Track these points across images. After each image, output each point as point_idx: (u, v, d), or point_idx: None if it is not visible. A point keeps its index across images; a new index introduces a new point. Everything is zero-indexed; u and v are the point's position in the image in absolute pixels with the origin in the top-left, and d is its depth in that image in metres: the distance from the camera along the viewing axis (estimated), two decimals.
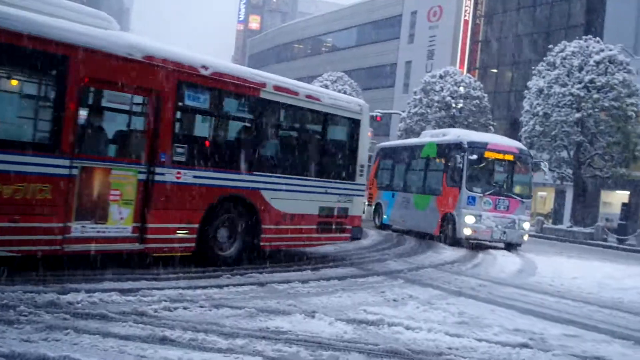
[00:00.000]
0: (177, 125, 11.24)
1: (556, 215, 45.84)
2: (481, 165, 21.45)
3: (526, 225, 21.84)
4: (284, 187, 12.82)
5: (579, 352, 7.71)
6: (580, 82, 34.11)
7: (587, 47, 35.37)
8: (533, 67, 39.37)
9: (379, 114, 47.95)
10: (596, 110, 33.39)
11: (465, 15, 57.91)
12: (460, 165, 21.32)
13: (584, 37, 37.10)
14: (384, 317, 8.38)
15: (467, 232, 20.83)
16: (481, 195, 20.94)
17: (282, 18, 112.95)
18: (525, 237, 22.02)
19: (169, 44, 11.88)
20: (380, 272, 13.23)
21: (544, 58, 37.45)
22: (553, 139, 35.15)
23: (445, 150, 22.91)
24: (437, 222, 22.39)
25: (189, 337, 6.57)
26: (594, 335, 9.01)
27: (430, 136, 26.06)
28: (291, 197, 13.05)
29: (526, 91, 37.63)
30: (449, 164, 22.23)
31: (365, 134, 14.91)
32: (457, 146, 21.87)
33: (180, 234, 11.00)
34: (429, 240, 22.77)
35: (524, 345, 7.74)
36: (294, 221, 13.14)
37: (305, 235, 13.57)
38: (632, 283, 14.76)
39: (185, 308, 7.92)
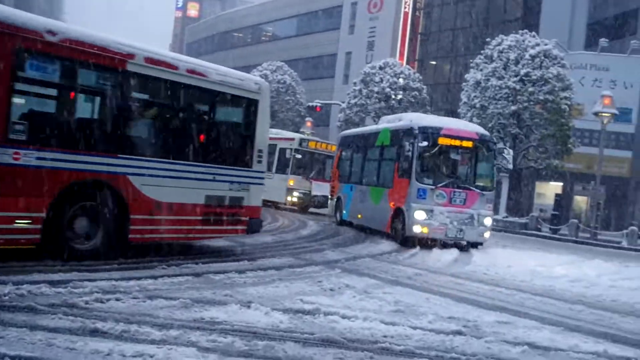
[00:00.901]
0: (15, 98, 9.65)
1: (492, 205, 46.45)
2: (434, 153, 18.73)
3: (487, 221, 19.02)
4: (159, 172, 11.42)
5: (511, 339, 7.85)
6: (516, 76, 34.67)
7: (523, 41, 35.96)
8: (471, 60, 39.94)
9: (318, 104, 48.03)
10: (531, 103, 33.99)
11: (405, 8, 58.34)
12: (410, 153, 18.58)
13: (520, 31, 37.73)
14: (321, 307, 8.40)
15: (416, 229, 18.10)
16: (433, 187, 18.27)
17: (221, 6, 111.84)
18: (487, 234, 19.25)
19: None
20: (318, 262, 13.24)
21: (482, 51, 37.97)
22: (490, 131, 35.58)
23: (397, 137, 20.24)
24: (388, 218, 19.73)
25: (121, 328, 6.48)
26: (526, 321, 9.18)
27: (387, 122, 23.49)
28: (169, 184, 11.61)
29: (464, 84, 38.09)
30: (399, 153, 19.48)
31: (265, 115, 13.55)
32: (408, 132, 19.18)
33: (20, 224, 9.56)
34: (382, 237, 20.40)
35: (458, 333, 7.84)
36: (173, 211, 11.70)
37: (187, 227, 12.13)
38: (563, 271, 15.08)
39: (118, 299, 7.79)
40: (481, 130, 20.26)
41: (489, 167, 19.77)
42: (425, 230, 18.18)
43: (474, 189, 18.88)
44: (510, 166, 21.27)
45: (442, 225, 18.24)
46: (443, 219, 18.26)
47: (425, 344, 7.22)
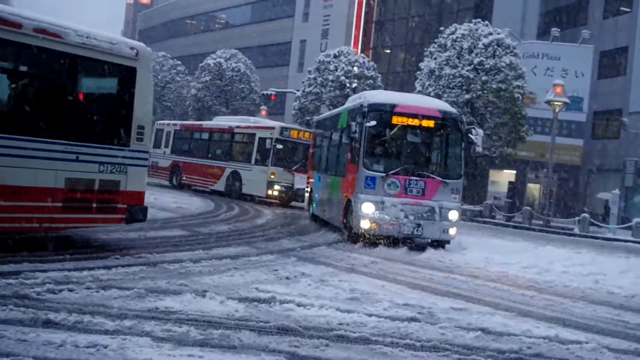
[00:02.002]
0: None
1: (460, 197, 46.74)
2: (386, 134, 16.16)
3: (453, 215, 16.00)
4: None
5: (465, 324, 7.94)
6: (469, 64, 34.87)
7: (477, 30, 36.13)
8: (425, 49, 40.03)
9: (273, 92, 47.86)
10: (485, 91, 34.20)
11: None
12: (358, 135, 15.83)
13: (473, 20, 37.92)
14: (276, 295, 8.41)
15: (364, 224, 15.38)
16: (383, 175, 15.55)
17: None
18: (452, 231, 16.06)
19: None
20: (273, 251, 13.25)
21: (436, 40, 38.10)
22: None
23: (352, 118, 16.98)
24: (342, 210, 17.21)
25: (74, 319, 6.43)
26: (480, 307, 9.31)
27: (351, 101, 20.54)
28: (11, 164, 9.76)
29: (418, 72, 38.20)
30: (351, 135, 16.28)
31: (146, 86, 11.78)
32: (358, 111, 16.43)
33: None
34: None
35: (413, 319, 7.91)
36: (19, 197, 9.91)
37: (41, 215, 10.30)
38: (516, 258, 15.23)
39: (70, 290, 7.71)
40: (446, 106, 17.29)
41: (455, 150, 16.75)
42: (374, 225, 15.34)
43: (435, 176, 16.01)
44: (480, 149, 16.61)
45: (394, 220, 15.39)
46: (396, 212, 15.42)
47: (380, 330, 7.27)
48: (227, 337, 6.39)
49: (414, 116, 15.83)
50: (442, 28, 38.71)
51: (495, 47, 34.93)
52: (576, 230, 30.54)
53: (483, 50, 34.87)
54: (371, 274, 11.59)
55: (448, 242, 16.35)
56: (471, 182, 37.59)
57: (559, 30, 41.83)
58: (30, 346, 5.59)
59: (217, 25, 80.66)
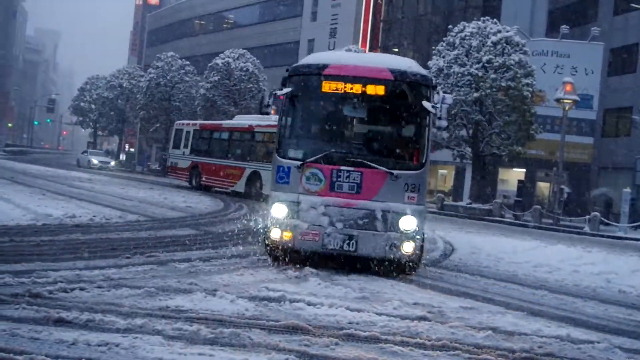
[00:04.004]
0: None
1: (456, 192, 46.85)
2: (311, 107, 12.11)
3: (407, 223, 10.85)
4: None
5: (475, 324, 7.92)
6: (478, 62, 34.82)
7: (485, 28, 36.10)
8: (433, 47, 39.99)
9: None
10: (494, 90, 34.14)
11: None
12: (268, 109, 11.93)
13: (482, 18, 37.87)
14: (286, 294, 8.41)
15: (275, 234, 10.98)
16: (299, 164, 11.03)
17: None
18: (408, 248, 10.84)
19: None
20: None
21: (444, 38, 38.08)
22: (453, 118, 35.80)
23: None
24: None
25: (86, 318, 6.45)
26: (490, 307, 9.28)
27: None
28: None
29: (427, 71, 38.10)
30: (262, 111, 12.16)
31: None
32: (283, 80, 11.76)
33: None
34: None
35: (423, 318, 7.90)
36: None
37: None
38: (526, 257, 15.22)
39: (82, 289, 7.75)
40: (403, 64, 11.84)
41: (414, 128, 11.74)
42: (287, 236, 10.92)
43: (377, 166, 10.95)
44: (443, 123, 11.13)
45: (315, 230, 10.77)
46: (316, 217, 10.83)
47: (390, 329, 7.26)
48: (238, 335, 6.40)
49: (353, 80, 11.15)
50: (450, 26, 38.72)
51: (504, 45, 34.89)
52: (586, 229, 30.46)
53: (492, 48, 34.82)
54: (380, 272, 11.53)
55: (412, 265, 11.28)
56: (479, 181, 37.57)
57: (568, 27, 41.69)
58: (43, 344, 5.61)
59: (225, 25, 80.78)
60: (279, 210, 11.03)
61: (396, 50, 57.30)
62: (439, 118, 10.97)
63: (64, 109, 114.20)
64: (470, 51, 35.50)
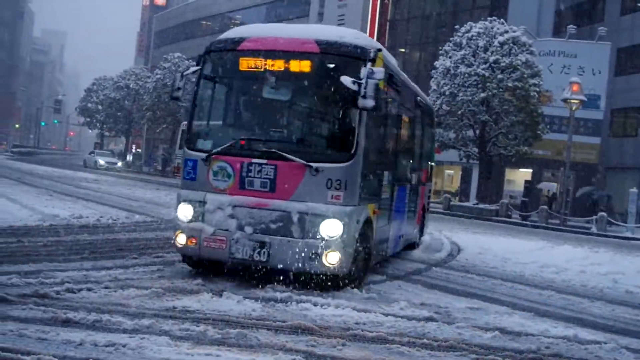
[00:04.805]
0: None
1: (463, 192, 46.81)
2: (225, 89, 10.33)
3: (330, 228, 8.85)
4: None
5: (482, 324, 7.91)
6: (485, 63, 34.78)
7: (492, 28, 36.06)
8: (440, 47, 39.97)
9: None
10: (501, 90, 34.11)
11: None
12: (179, 93, 10.09)
13: (489, 18, 37.84)
14: (292, 295, 8.42)
15: (180, 240, 9.45)
16: (204, 156, 9.44)
17: None
18: (334, 259, 8.81)
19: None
20: None
21: (451, 38, 38.04)
22: (459, 118, 35.86)
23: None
24: None
25: (93, 318, 6.46)
26: (497, 307, 9.28)
27: None
28: None
29: (433, 71, 38.14)
30: (172, 95, 10.35)
31: None
32: (199, 59, 10.15)
33: None
34: None
35: (430, 319, 7.89)
36: None
37: None
38: (533, 257, 15.20)
39: (89, 289, 7.78)
40: (333, 35, 9.68)
41: (344, 111, 9.38)
42: (191, 242, 9.35)
43: (294, 157, 9.02)
44: (369, 103, 8.64)
45: (221, 234, 9.14)
46: (223, 219, 9.17)
47: (397, 330, 7.26)
48: (245, 336, 6.40)
49: (272, 55, 9.35)
50: (457, 26, 38.70)
51: (511, 45, 34.86)
52: (593, 230, 30.40)
53: (499, 49, 34.79)
54: (387, 273, 11.54)
55: (343, 280, 9.21)
56: (486, 181, 37.54)
57: (575, 27, 41.66)
58: (50, 345, 5.63)
59: (232, 26, 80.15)
60: (184, 211, 9.48)
61: (403, 50, 57.34)
62: (363, 97, 8.64)
63: (71, 110, 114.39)
64: (477, 51, 35.46)
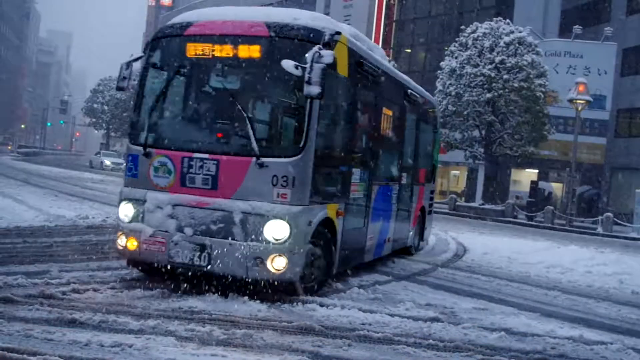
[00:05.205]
0: None
1: (469, 193, 46.77)
2: (170, 78, 9.16)
3: (275, 230, 8.00)
4: None
5: (488, 324, 7.91)
6: (491, 63, 34.76)
7: (498, 28, 36.03)
8: (446, 48, 39.96)
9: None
10: (506, 90, 34.08)
11: None
12: (124, 83, 9.02)
13: (494, 18, 37.80)
14: (299, 295, 8.41)
15: (121, 242, 8.70)
16: (143, 151, 8.72)
17: None
18: (279, 265, 7.97)
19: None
20: None
21: (457, 39, 38.03)
22: (465, 119, 35.82)
23: None
24: None
25: (99, 319, 6.48)
26: (503, 308, 9.27)
27: None
28: None
29: (439, 71, 38.14)
30: (117, 86, 9.43)
31: None
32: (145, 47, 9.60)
33: None
34: None
35: (435, 319, 7.89)
36: None
37: None
38: (539, 258, 15.18)
39: (95, 290, 7.79)
40: (286, 17, 8.84)
41: (294, 100, 8.62)
42: (132, 244, 8.59)
43: (237, 151, 8.34)
44: (315, 90, 7.70)
45: (161, 236, 8.39)
46: (162, 220, 8.42)
47: (403, 330, 7.26)
48: (250, 336, 6.41)
49: (219, 40, 8.63)
50: (463, 27, 38.68)
51: (517, 45, 34.84)
52: (599, 230, 30.34)
53: (504, 49, 34.77)
54: (392, 274, 11.55)
55: (292, 288, 8.36)
56: (491, 181, 37.50)
57: (581, 27, 41.57)
58: (57, 345, 5.64)
59: None
60: (125, 211, 8.75)
61: (408, 50, 57.35)
62: (308, 83, 7.72)
63: (77, 110, 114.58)
64: (483, 52, 35.45)
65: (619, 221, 31.70)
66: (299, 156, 8.09)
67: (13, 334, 5.83)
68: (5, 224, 12.94)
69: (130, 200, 8.71)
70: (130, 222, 8.64)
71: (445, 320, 7.95)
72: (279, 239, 7.96)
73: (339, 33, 8.67)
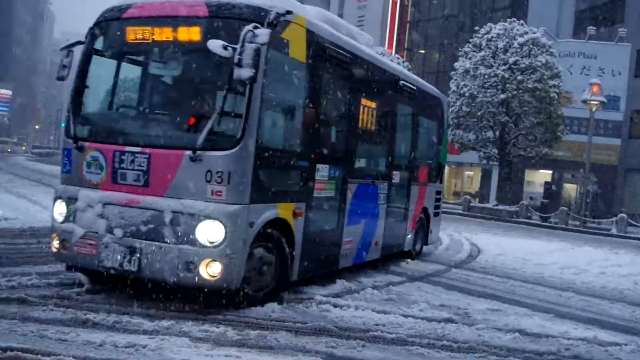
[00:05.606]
0: None
1: (483, 194, 46.66)
2: (107, 65, 8.56)
3: (209, 232, 7.08)
4: None
5: (502, 326, 7.89)
6: (505, 64, 34.68)
7: (512, 29, 35.93)
8: (460, 49, 39.90)
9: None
10: (520, 91, 33.98)
11: None
12: (64, 72, 8.46)
13: (508, 19, 37.71)
14: (312, 296, 8.43)
15: (55, 244, 7.99)
16: (75, 144, 8.00)
17: None
18: (214, 270, 7.04)
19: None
20: None
21: (470, 40, 37.95)
22: (479, 120, 35.74)
23: None
24: None
25: (113, 319, 6.49)
26: (517, 309, 9.25)
27: None
28: None
29: (453, 72, 38.08)
30: (58, 75, 8.81)
31: None
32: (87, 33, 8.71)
33: None
34: None
35: (449, 320, 7.88)
36: None
37: None
38: (553, 259, 15.15)
39: (110, 290, 7.80)
40: None
41: (233, 86, 7.22)
42: (65, 246, 7.83)
43: (168, 144, 7.49)
44: (246, 73, 6.84)
45: (91, 237, 7.58)
46: (93, 220, 7.62)
47: (417, 331, 7.25)
48: (264, 337, 6.41)
49: (158, 22, 7.81)
50: (476, 28, 38.61)
51: (531, 46, 34.73)
52: (613, 231, 30.21)
53: (518, 50, 34.67)
54: (406, 274, 11.52)
55: (236, 296, 7.49)
56: (505, 182, 37.39)
57: (595, 28, 41.43)
58: (71, 346, 5.65)
59: None
60: (59, 210, 8.00)
61: (422, 51, 57.29)
62: (239, 65, 6.86)
63: None
64: (497, 52, 35.36)
65: (633, 222, 31.54)
66: (236, 149, 7.16)
67: (27, 335, 5.85)
68: (19, 224, 13.01)
69: (63, 198, 7.97)
70: (62, 222, 7.90)
71: (459, 321, 7.94)
72: (213, 242, 7.07)
73: (289, 12, 7.85)
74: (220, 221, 7.03)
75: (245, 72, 6.85)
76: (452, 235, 19.86)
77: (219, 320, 6.90)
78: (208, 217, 7.03)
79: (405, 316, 7.88)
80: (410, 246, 13.35)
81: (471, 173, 51.23)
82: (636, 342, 7.66)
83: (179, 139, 7.37)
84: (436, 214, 14.89)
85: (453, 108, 36.28)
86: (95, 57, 8.31)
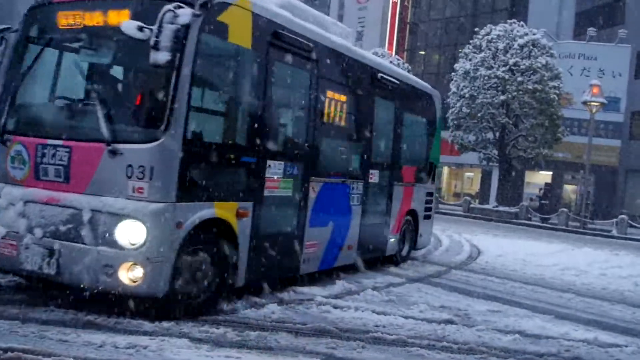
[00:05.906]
0: None
1: (483, 195, 46.65)
2: (36, 53, 7.76)
3: (129, 233, 6.50)
4: None
5: (502, 327, 7.89)
6: (505, 65, 34.64)
7: (512, 30, 35.89)
8: (460, 50, 39.90)
9: None
10: (520, 92, 33.92)
11: None
12: None
13: (509, 21, 37.69)
14: (313, 297, 8.43)
15: None
16: (0, 138, 7.51)
17: None
18: (135, 275, 6.47)
19: None
20: None
21: (471, 41, 37.91)
22: (479, 121, 35.69)
23: None
24: None
25: (114, 320, 6.50)
26: (517, 310, 9.25)
27: None
28: None
29: (453, 73, 38.04)
30: None
31: None
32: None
33: None
34: None
35: (449, 322, 7.89)
36: None
37: None
38: (553, 260, 15.15)
39: (109, 292, 7.74)
40: None
41: (159, 73, 6.64)
42: None
43: (88, 136, 6.93)
44: (162, 57, 6.21)
45: (12, 238, 7.03)
46: (14, 219, 7.09)
47: (417, 333, 7.26)
48: (264, 338, 6.42)
49: (88, 6, 7.24)
50: (477, 29, 38.56)
51: (531, 47, 34.69)
52: (614, 232, 30.21)
53: (518, 51, 34.64)
54: (407, 276, 11.53)
55: (157, 304, 6.78)
56: (505, 183, 37.38)
57: (595, 30, 41.40)
58: (71, 347, 5.65)
59: None
60: None
61: (422, 53, 57.31)
62: (155, 48, 6.23)
63: None
64: (497, 54, 35.31)
65: (633, 224, 31.53)
66: (159, 141, 6.52)
67: (28, 335, 5.84)
68: None
69: None
70: None
71: (459, 322, 7.95)
72: (135, 244, 6.47)
73: None
74: (141, 221, 6.44)
75: (161, 56, 6.24)
76: (452, 237, 19.84)
77: (218, 321, 6.91)
78: (128, 216, 6.46)
79: (406, 317, 7.89)
80: (393, 250, 12.53)
81: (471, 174, 51.22)
82: (637, 344, 7.67)
83: (98, 131, 6.66)
84: (427, 217, 14.10)
85: (453, 109, 36.28)
86: (27, 45, 7.78)
